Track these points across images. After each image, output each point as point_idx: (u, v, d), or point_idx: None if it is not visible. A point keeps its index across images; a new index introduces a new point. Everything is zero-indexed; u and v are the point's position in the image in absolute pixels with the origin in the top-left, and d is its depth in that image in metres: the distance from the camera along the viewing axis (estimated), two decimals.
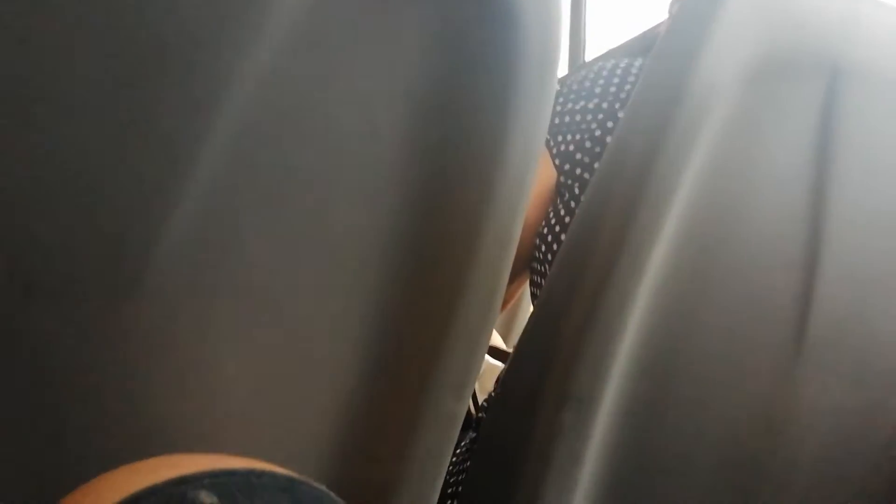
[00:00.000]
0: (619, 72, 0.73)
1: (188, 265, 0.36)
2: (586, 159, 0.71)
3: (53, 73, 0.32)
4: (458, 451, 0.80)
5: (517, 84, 0.40)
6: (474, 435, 0.82)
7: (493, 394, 0.86)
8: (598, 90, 0.73)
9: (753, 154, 0.56)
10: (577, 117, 0.73)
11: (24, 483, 0.33)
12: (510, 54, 0.39)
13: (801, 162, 0.57)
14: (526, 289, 0.97)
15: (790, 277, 0.59)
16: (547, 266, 0.75)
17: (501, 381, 0.59)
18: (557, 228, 0.73)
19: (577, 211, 0.53)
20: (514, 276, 0.84)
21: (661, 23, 1.04)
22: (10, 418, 0.33)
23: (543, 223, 0.75)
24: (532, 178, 0.43)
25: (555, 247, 0.73)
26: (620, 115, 0.71)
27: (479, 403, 0.89)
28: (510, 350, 1.18)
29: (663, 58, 0.53)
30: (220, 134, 0.35)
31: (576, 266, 0.52)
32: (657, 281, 0.54)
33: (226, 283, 0.38)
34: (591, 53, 1.75)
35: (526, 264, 0.80)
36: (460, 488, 0.74)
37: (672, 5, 0.86)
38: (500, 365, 1.13)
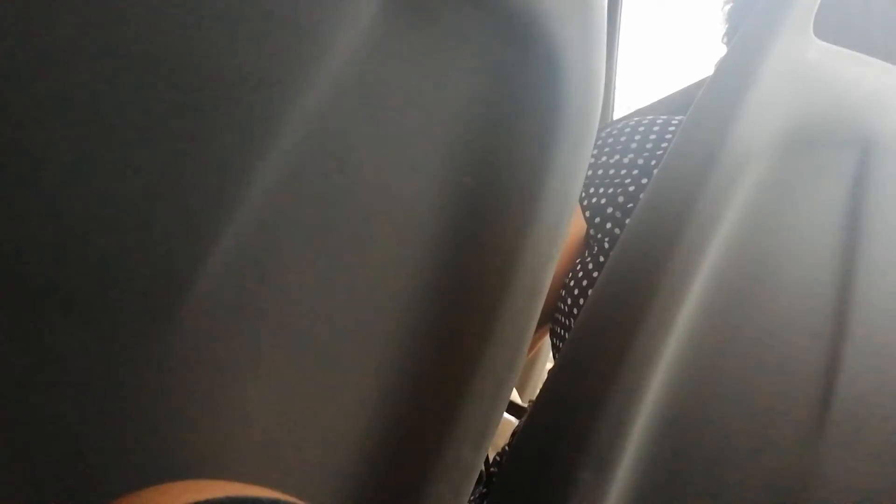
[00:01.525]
0: (656, 128, 0.73)
1: (228, 294, 0.37)
2: (618, 214, 0.71)
3: (116, 99, 0.33)
4: None
5: (557, 131, 0.40)
6: (484, 490, 0.80)
7: (506, 448, 0.84)
8: (634, 145, 0.73)
9: (785, 221, 0.55)
10: (612, 171, 0.73)
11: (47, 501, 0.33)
12: (552, 101, 0.39)
13: (831, 232, 0.57)
14: (546, 342, 0.96)
15: (817, 348, 0.58)
16: (571, 320, 0.75)
17: (518, 436, 0.58)
18: (585, 282, 0.73)
19: (605, 266, 0.53)
20: (537, 328, 0.83)
21: (701, 80, 1.04)
22: (38, 434, 0.33)
23: (570, 276, 0.75)
24: (566, 229, 0.43)
25: (581, 301, 0.73)
26: (656, 173, 0.71)
27: (491, 459, 0.88)
28: (525, 404, 1.16)
29: (699, 119, 0.54)
30: (267, 167, 0.36)
31: (602, 323, 0.52)
32: (682, 343, 0.54)
33: (262, 314, 0.38)
34: (619, 111, 1.77)
35: (549, 316, 0.79)
36: None
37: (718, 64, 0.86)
38: (513, 420, 1.12)
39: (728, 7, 0.82)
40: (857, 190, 0.57)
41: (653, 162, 0.71)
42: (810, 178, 0.56)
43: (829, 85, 0.55)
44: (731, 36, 0.82)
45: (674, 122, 0.74)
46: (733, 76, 0.53)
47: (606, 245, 0.71)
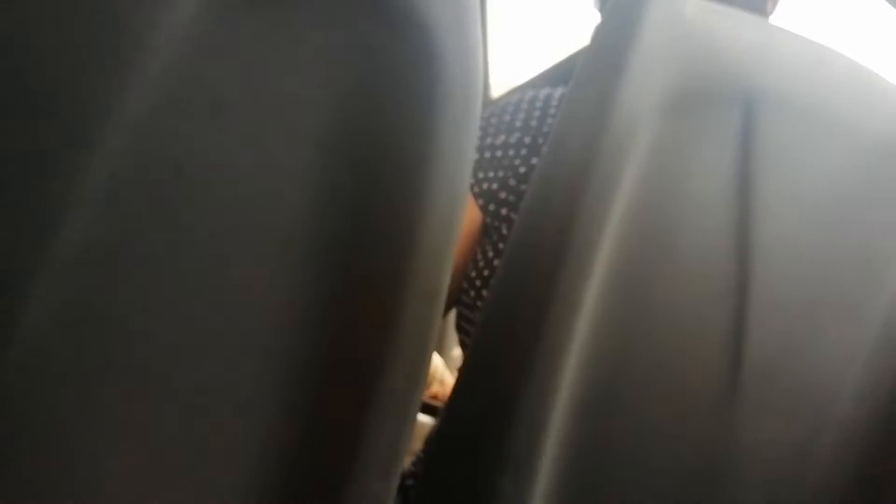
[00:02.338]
0: (539, 104, 0.70)
1: (57, 335, 0.30)
2: (511, 198, 0.68)
3: None
4: None
5: (437, 115, 0.36)
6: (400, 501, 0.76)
7: (421, 454, 0.80)
8: (518, 124, 0.70)
9: (679, 185, 0.54)
10: (499, 153, 0.69)
11: None
12: (428, 81, 0.35)
13: (724, 192, 0.56)
14: (449, 324, 0.93)
15: (723, 311, 0.57)
16: (476, 312, 0.71)
17: (432, 446, 0.54)
18: (486, 272, 0.69)
19: (504, 253, 0.50)
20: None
21: (580, 50, 1.03)
22: None
23: (471, 266, 0.71)
24: (460, 223, 0.39)
25: (484, 292, 0.69)
26: (545, 149, 0.69)
27: (406, 467, 0.84)
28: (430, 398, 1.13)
29: (582, 90, 0.51)
30: (89, 182, 0.29)
31: (507, 314, 0.49)
32: (591, 323, 0.51)
33: (103, 359, 0.32)
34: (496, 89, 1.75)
35: (450, 307, 0.76)
36: None
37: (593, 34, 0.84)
38: (427, 421, 1.08)
39: None
40: (744, 147, 0.56)
41: (540, 139, 0.68)
42: (699, 140, 0.55)
43: (707, 42, 0.54)
44: (603, 2, 0.80)
45: (556, 94, 0.71)
46: (612, 41, 0.51)
47: (504, 231, 0.68)
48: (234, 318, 0.35)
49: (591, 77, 0.51)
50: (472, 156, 0.39)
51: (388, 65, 0.35)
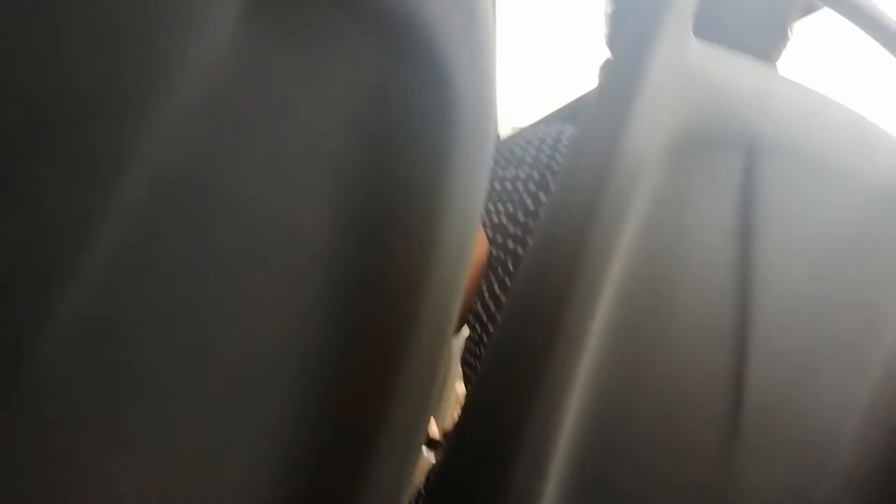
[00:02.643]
0: (549, 140, 0.72)
1: (73, 360, 0.30)
2: (519, 232, 0.69)
3: None
4: None
5: (452, 146, 0.36)
6: None
7: (422, 491, 0.80)
8: (529, 159, 0.71)
9: (681, 230, 0.55)
10: (508, 185, 0.71)
11: None
12: (443, 113, 0.36)
13: (726, 238, 0.57)
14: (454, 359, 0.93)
15: (723, 357, 0.57)
16: (482, 347, 0.71)
17: (435, 477, 0.54)
18: (493, 307, 0.70)
19: (511, 290, 0.50)
20: None
21: (590, 91, 1.05)
22: None
23: (478, 300, 0.72)
24: (470, 255, 0.40)
25: (490, 327, 0.70)
26: (553, 187, 0.70)
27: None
28: (437, 434, 1.11)
29: (589, 131, 0.52)
30: (114, 208, 0.30)
31: (510, 353, 0.49)
32: (593, 366, 0.51)
33: (119, 386, 0.32)
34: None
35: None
36: None
37: (601, 72, 0.86)
38: (428, 456, 1.07)
39: (610, 10, 0.82)
40: (745, 194, 0.57)
41: (549, 175, 0.69)
42: (701, 185, 0.55)
43: (711, 86, 0.55)
44: (614, 40, 0.82)
45: (567, 133, 0.73)
46: (618, 85, 0.52)
47: (510, 266, 0.68)
48: (247, 344, 0.35)
49: (596, 119, 0.52)
50: (485, 188, 0.40)
51: (407, 101, 0.36)
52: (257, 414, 0.35)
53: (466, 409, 0.51)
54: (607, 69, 0.53)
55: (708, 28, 0.72)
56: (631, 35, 0.51)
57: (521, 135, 0.75)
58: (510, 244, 0.69)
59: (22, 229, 0.29)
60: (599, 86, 0.52)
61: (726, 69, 0.55)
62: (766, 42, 0.76)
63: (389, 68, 0.35)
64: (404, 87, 0.35)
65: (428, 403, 0.40)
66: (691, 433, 0.57)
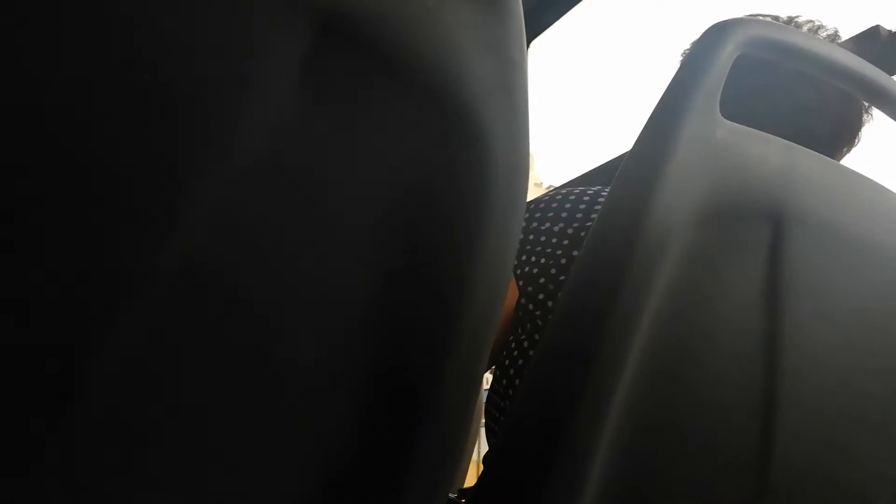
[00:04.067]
0: (586, 198, 0.73)
1: (116, 397, 0.32)
2: (551, 286, 0.69)
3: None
4: None
5: (485, 210, 0.39)
6: None
7: None
8: (564, 214, 0.73)
9: (708, 295, 0.56)
10: (542, 238, 0.72)
11: None
12: (479, 181, 0.38)
13: (753, 306, 0.58)
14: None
15: (750, 424, 0.57)
16: (507, 401, 0.72)
17: None
18: (520, 362, 0.70)
19: (539, 346, 0.51)
20: None
21: (622, 155, 1.07)
22: None
23: (505, 354, 0.72)
24: (500, 312, 0.41)
25: (517, 381, 0.70)
26: (582, 249, 0.71)
27: None
28: (453, 495, 1.10)
29: (619, 196, 0.54)
30: (167, 256, 0.32)
31: (537, 412, 0.50)
32: (619, 426, 0.52)
33: (159, 420, 0.34)
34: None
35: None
36: None
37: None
38: None
39: None
40: (772, 264, 0.58)
41: (583, 233, 0.71)
42: (729, 254, 0.57)
43: (738, 162, 0.56)
44: None
45: (604, 193, 0.74)
46: (648, 154, 0.54)
47: (539, 322, 0.69)
48: (281, 385, 0.37)
49: (627, 185, 0.53)
50: (516, 246, 0.42)
51: (444, 162, 0.38)
52: (287, 455, 0.36)
53: (489, 461, 0.52)
54: (636, 143, 0.55)
55: (745, 108, 0.74)
56: (658, 111, 0.53)
57: (559, 191, 0.77)
58: (541, 296, 0.70)
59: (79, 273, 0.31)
60: (629, 154, 0.55)
61: (753, 145, 0.57)
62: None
63: (431, 138, 0.38)
64: (444, 155, 0.38)
65: (455, 458, 0.41)
66: (717, 495, 0.57)
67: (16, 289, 0.30)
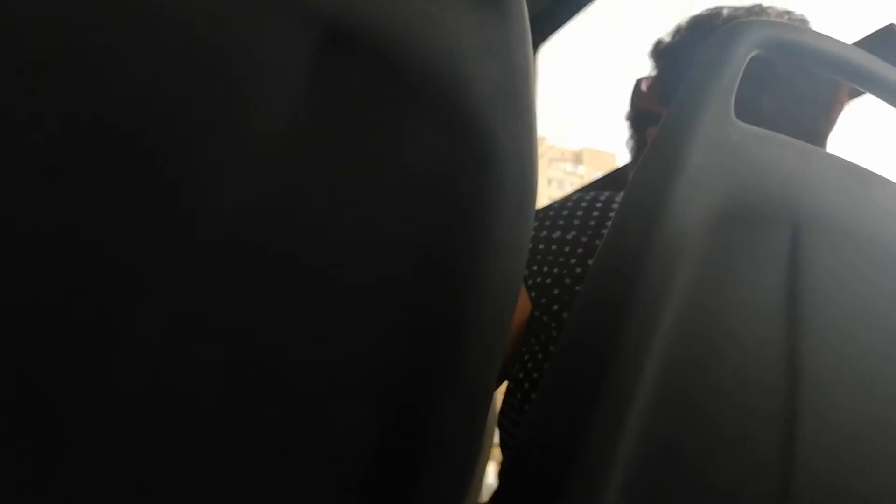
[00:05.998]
0: (599, 205, 0.71)
1: (137, 400, 0.32)
2: (566, 297, 0.67)
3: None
4: None
5: (493, 220, 0.38)
6: None
7: None
8: (576, 222, 0.70)
9: (727, 299, 0.55)
10: (554, 247, 0.70)
11: None
12: (487, 191, 0.38)
13: (772, 309, 0.57)
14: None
15: (771, 432, 0.56)
16: (521, 415, 0.70)
17: None
18: (535, 374, 0.68)
19: (553, 356, 0.50)
20: None
21: (627, 164, 1.05)
22: None
23: (518, 367, 0.70)
24: (511, 320, 0.41)
25: (532, 395, 0.68)
26: (597, 254, 0.69)
27: None
28: None
29: (633, 201, 0.53)
30: (186, 261, 0.32)
31: (551, 425, 0.49)
32: (637, 432, 0.51)
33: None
34: None
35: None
36: None
37: (627, 143, 0.86)
38: None
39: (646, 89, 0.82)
40: (791, 267, 0.57)
41: (596, 241, 0.68)
42: (747, 257, 0.56)
43: (753, 164, 0.56)
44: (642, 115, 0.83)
45: (616, 199, 0.72)
46: (662, 159, 0.54)
47: (553, 332, 0.67)
48: (290, 409, 0.36)
49: (642, 189, 0.53)
50: (526, 255, 0.41)
51: (450, 168, 0.38)
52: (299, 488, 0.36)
53: (504, 475, 0.51)
54: (651, 146, 0.54)
55: (765, 109, 0.72)
56: (672, 114, 0.53)
57: (570, 199, 0.75)
58: (555, 307, 0.68)
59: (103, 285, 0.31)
60: (643, 159, 0.54)
61: (768, 148, 0.56)
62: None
63: (438, 142, 0.37)
64: (454, 167, 0.38)
65: (468, 474, 0.40)
66: (740, 500, 0.56)
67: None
